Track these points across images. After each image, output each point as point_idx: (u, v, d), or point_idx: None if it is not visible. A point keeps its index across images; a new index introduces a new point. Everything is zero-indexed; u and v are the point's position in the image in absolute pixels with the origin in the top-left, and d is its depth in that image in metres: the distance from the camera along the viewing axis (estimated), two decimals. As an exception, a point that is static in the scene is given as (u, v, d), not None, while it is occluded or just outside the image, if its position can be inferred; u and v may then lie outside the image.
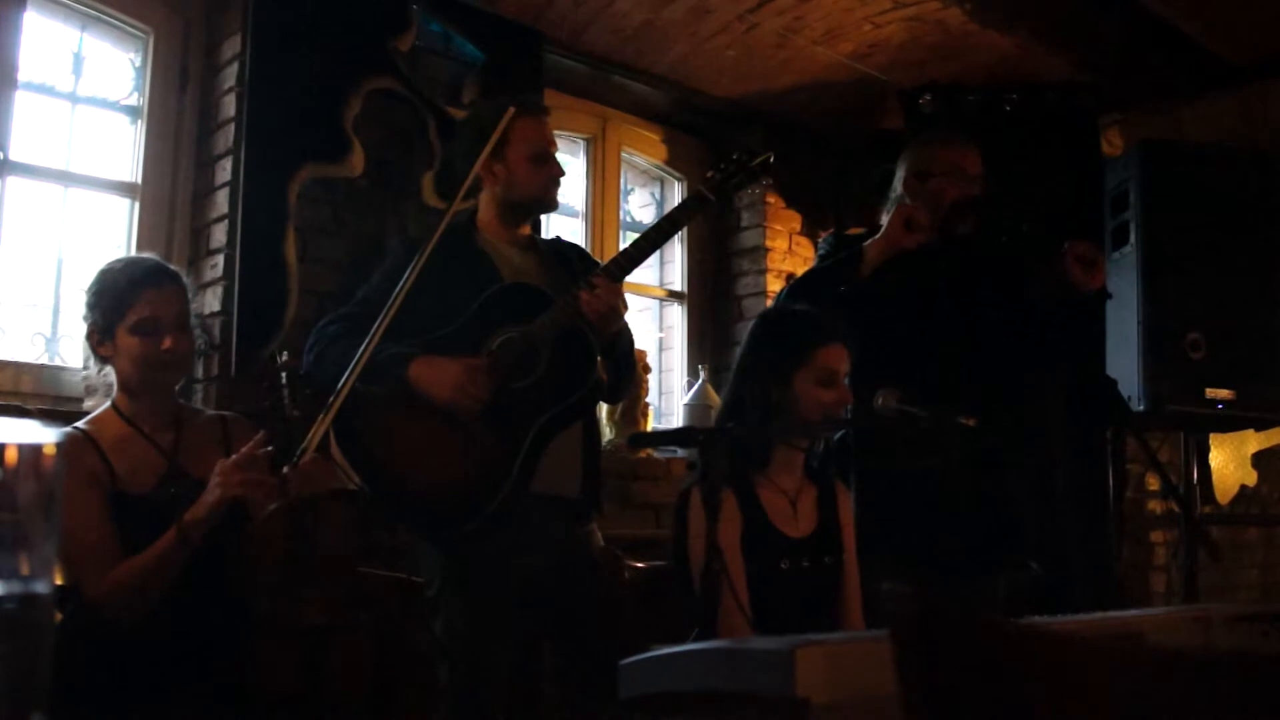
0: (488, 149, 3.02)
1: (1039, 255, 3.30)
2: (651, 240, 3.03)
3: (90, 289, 2.71)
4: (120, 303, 2.66)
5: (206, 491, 2.52)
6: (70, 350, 3.57)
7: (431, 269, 2.96)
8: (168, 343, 2.67)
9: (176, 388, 2.87)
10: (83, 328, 2.74)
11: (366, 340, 2.72)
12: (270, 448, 2.60)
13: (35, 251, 3.66)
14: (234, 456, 2.55)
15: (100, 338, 2.68)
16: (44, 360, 3.59)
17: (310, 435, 2.64)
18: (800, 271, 5.04)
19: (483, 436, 2.85)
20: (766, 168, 3.13)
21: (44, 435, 0.79)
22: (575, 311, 2.87)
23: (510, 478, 2.80)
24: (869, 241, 3.32)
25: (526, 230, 3.23)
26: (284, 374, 2.86)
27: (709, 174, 3.14)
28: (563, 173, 3.16)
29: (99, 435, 2.62)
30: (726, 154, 3.21)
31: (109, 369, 2.74)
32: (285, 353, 2.94)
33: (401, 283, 2.83)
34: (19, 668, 0.77)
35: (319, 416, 2.67)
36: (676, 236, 5.37)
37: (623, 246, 3.31)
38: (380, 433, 2.88)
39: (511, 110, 3.06)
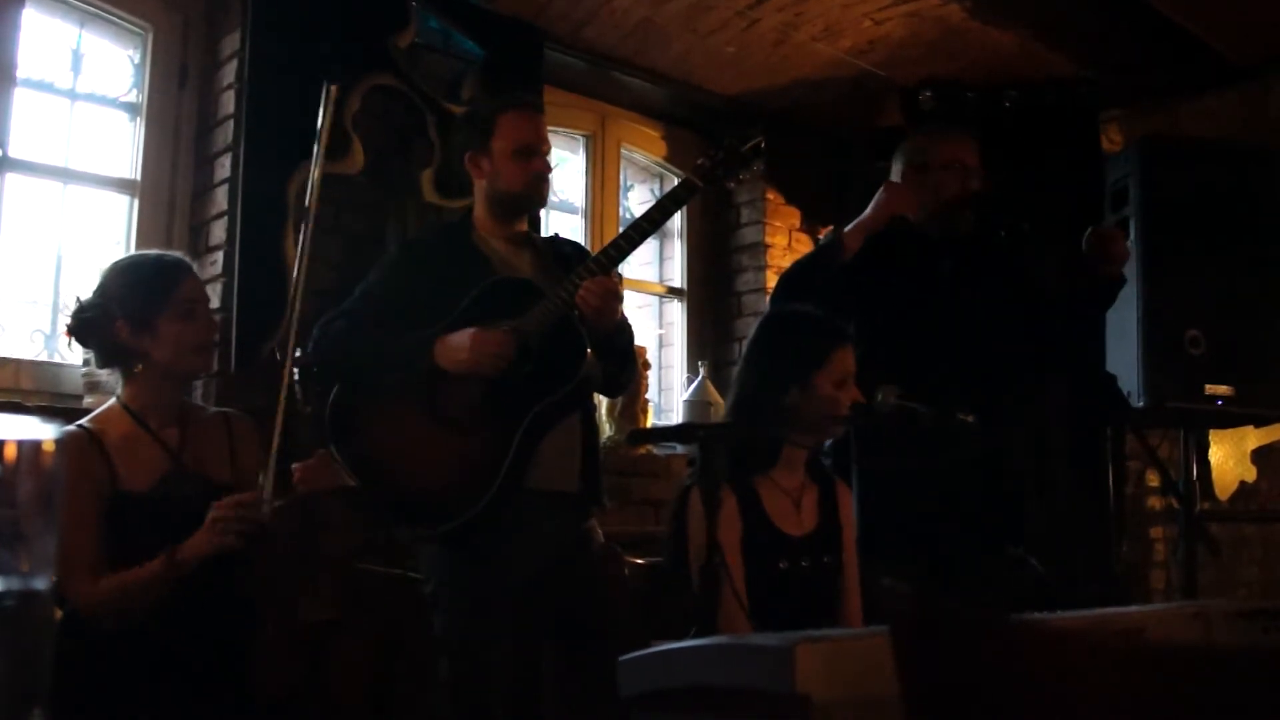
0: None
1: (1051, 245, 3.32)
2: (642, 230, 3.01)
3: (115, 284, 2.68)
4: (164, 288, 2.67)
5: (204, 536, 2.48)
6: (69, 347, 3.57)
7: (427, 265, 2.97)
8: (211, 325, 2.75)
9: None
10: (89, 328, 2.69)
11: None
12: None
13: (35, 248, 3.65)
14: (231, 501, 2.53)
15: (134, 329, 2.65)
16: (43, 357, 3.59)
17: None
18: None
19: (475, 431, 2.86)
20: (758, 152, 3.10)
21: (44, 432, 0.78)
22: (567, 304, 2.87)
23: (502, 471, 2.81)
24: (849, 227, 3.33)
25: (523, 227, 3.23)
26: (296, 370, 2.87)
27: (700, 161, 3.13)
28: (547, 168, 3.13)
29: (104, 433, 2.61)
30: (718, 140, 3.20)
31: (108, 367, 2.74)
32: (299, 349, 2.95)
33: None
34: (19, 664, 0.77)
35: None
36: (676, 234, 5.38)
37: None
38: (374, 429, 2.89)
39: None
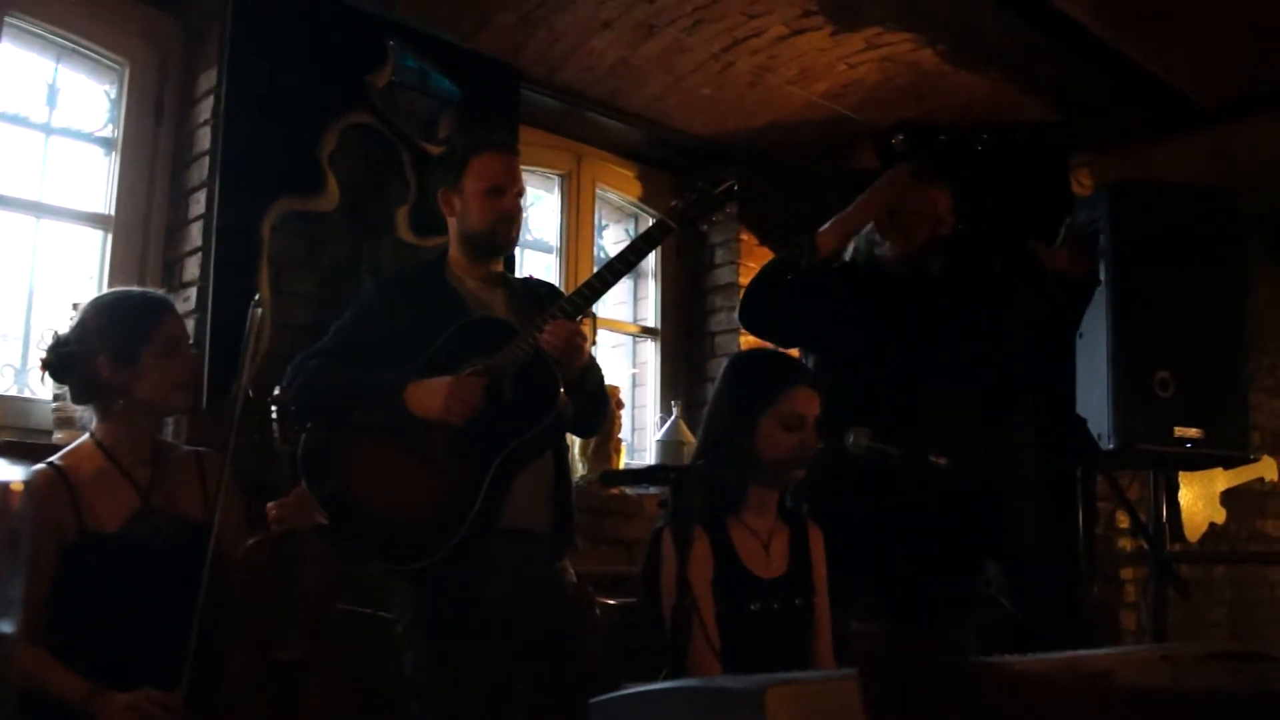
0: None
1: (1022, 286, 3.34)
2: (616, 270, 3.02)
3: (98, 320, 2.67)
4: (148, 325, 2.67)
5: (125, 713, 2.39)
6: (40, 382, 3.55)
7: (402, 303, 2.98)
8: (192, 362, 2.79)
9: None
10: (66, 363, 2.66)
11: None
12: None
13: (6, 283, 3.64)
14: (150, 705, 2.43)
15: (116, 364, 2.63)
16: (13, 392, 3.57)
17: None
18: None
19: (448, 468, 2.85)
20: (730, 195, 3.13)
21: (11, 473, 0.78)
22: (535, 346, 2.87)
23: (474, 509, 2.79)
24: (825, 225, 3.36)
25: (497, 267, 3.23)
26: (274, 408, 2.86)
27: (674, 203, 3.15)
28: (515, 209, 3.14)
29: (74, 470, 2.58)
30: (692, 181, 3.22)
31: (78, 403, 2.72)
32: (277, 387, 2.94)
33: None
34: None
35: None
36: (650, 274, 5.40)
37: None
38: (347, 466, 2.88)
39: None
